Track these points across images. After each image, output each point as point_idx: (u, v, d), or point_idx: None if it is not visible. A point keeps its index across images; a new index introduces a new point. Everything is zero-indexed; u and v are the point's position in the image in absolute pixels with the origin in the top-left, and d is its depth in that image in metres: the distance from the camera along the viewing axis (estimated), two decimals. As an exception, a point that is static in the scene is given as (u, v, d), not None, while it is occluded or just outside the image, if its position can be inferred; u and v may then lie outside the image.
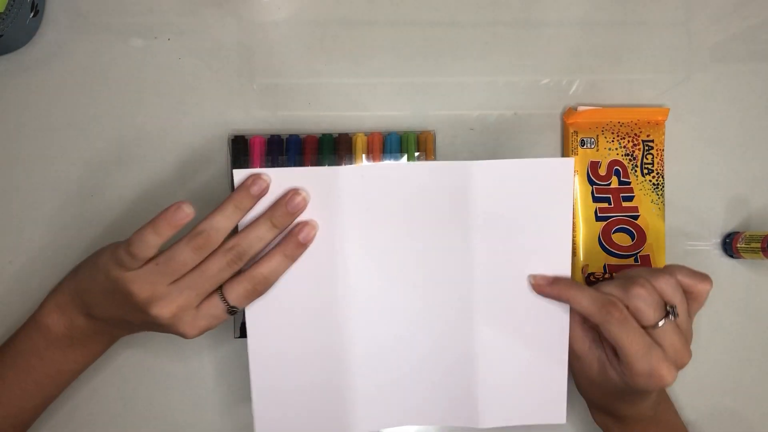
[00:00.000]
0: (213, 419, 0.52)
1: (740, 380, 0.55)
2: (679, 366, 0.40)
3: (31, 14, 0.51)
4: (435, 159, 0.53)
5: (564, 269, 0.44)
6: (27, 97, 0.54)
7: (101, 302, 0.43)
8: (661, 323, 0.40)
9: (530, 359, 0.45)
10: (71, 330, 0.45)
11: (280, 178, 0.42)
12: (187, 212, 0.39)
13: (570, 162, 0.43)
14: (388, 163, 0.50)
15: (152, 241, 0.39)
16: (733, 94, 0.56)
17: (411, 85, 0.55)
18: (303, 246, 0.42)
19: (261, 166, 0.52)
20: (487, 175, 0.42)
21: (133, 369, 0.53)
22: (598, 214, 0.53)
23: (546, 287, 0.43)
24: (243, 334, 0.52)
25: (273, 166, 0.52)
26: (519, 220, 0.43)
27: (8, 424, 0.46)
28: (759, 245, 0.51)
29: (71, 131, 0.54)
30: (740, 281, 0.55)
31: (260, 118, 0.54)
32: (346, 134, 0.53)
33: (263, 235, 0.41)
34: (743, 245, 0.53)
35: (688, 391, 0.54)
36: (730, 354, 0.55)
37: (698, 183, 0.56)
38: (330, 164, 0.52)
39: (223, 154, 0.54)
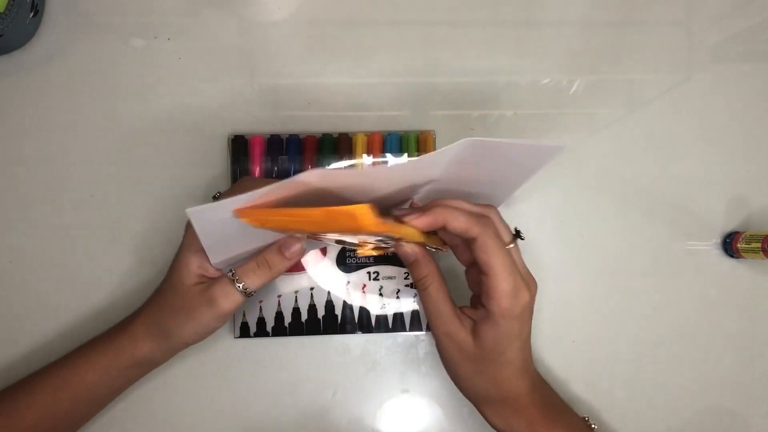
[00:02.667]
0: (213, 419, 0.52)
1: (740, 380, 0.55)
2: (531, 288, 0.43)
3: (31, 14, 0.51)
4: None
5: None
6: (27, 97, 0.54)
7: (177, 315, 0.45)
8: (511, 246, 0.43)
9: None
10: (147, 356, 0.46)
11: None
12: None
13: (561, 146, 0.41)
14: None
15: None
16: (733, 94, 0.56)
17: (411, 85, 0.55)
18: (285, 258, 0.45)
19: (260, 166, 0.52)
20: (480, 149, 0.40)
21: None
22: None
23: (418, 219, 0.41)
24: (243, 334, 0.52)
25: (273, 165, 0.52)
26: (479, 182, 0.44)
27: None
28: (759, 245, 0.51)
29: (71, 131, 0.54)
30: (740, 281, 0.55)
31: (260, 118, 0.54)
32: (346, 134, 0.53)
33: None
34: (743, 245, 0.53)
35: (688, 391, 0.54)
36: (730, 354, 0.55)
37: (698, 183, 0.56)
38: (330, 164, 0.52)
39: (223, 154, 0.54)
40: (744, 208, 0.56)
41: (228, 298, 0.44)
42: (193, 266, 0.45)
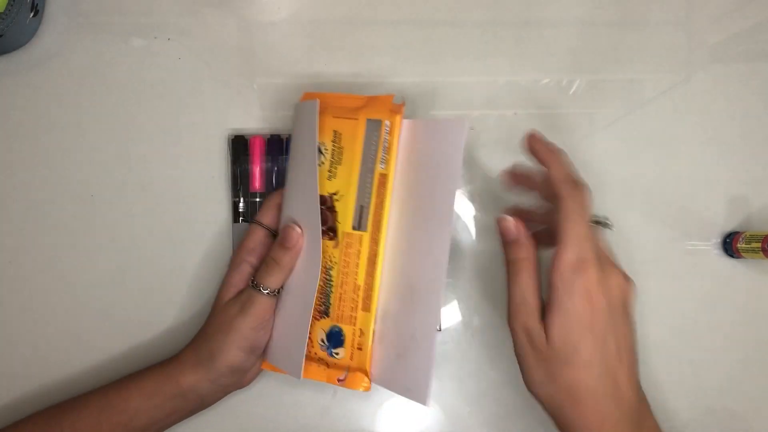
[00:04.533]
0: (213, 419, 0.52)
1: (740, 380, 0.55)
2: (611, 277, 0.39)
3: (31, 14, 0.51)
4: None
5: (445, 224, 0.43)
6: (27, 97, 0.54)
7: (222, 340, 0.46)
8: (592, 224, 0.41)
9: (411, 331, 0.44)
10: (192, 386, 0.46)
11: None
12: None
13: (464, 121, 0.43)
14: None
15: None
16: (733, 94, 0.56)
17: (411, 85, 0.55)
18: (287, 248, 0.46)
19: (261, 166, 0.52)
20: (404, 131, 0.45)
21: (135, 368, 0.53)
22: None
23: (537, 143, 0.43)
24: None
25: (273, 165, 0.52)
26: (420, 175, 0.45)
27: None
28: (759, 245, 0.51)
29: (71, 131, 0.54)
30: (740, 281, 0.55)
31: (260, 118, 0.54)
32: (346, 134, 0.53)
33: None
34: (743, 245, 0.53)
35: (688, 391, 0.54)
36: (730, 354, 0.55)
37: (698, 183, 0.56)
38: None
39: (223, 154, 0.54)
40: (744, 208, 0.56)
41: (256, 303, 0.45)
42: (234, 280, 0.47)
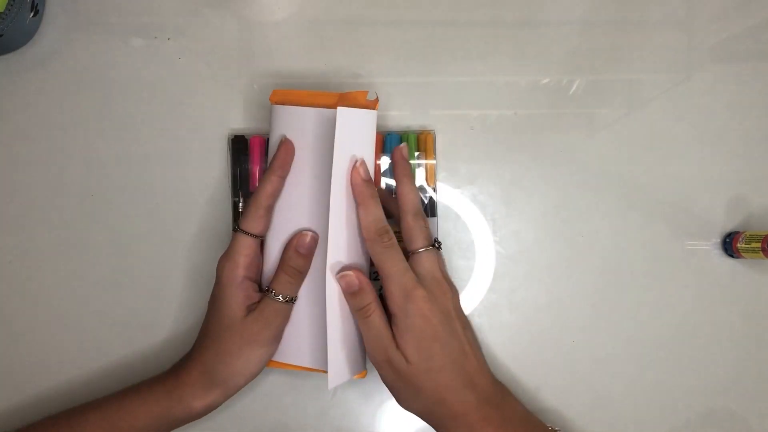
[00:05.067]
0: (213, 419, 0.52)
1: (740, 380, 0.55)
2: (436, 293, 0.45)
3: (31, 14, 0.51)
4: (435, 159, 0.53)
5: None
6: (27, 97, 0.54)
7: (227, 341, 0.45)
8: (422, 250, 0.46)
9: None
10: (208, 407, 0.46)
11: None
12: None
13: (372, 113, 0.46)
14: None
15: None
16: (733, 94, 0.56)
17: (411, 85, 0.55)
18: (304, 256, 0.46)
19: (261, 166, 0.52)
20: (323, 120, 0.46)
21: (135, 370, 0.53)
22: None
23: (359, 185, 0.45)
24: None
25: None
26: (343, 164, 0.45)
27: None
28: (759, 245, 0.51)
29: (71, 131, 0.54)
30: (740, 281, 0.55)
31: (260, 118, 0.54)
32: (346, 134, 0.53)
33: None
34: (743, 245, 0.53)
35: (688, 391, 0.54)
36: (730, 354, 0.55)
37: (698, 183, 0.56)
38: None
39: (223, 154, 0.54)
40: (744, 208, 0.56)
41: (278, 313, 0.46)
42: (240, 299, 0.45)
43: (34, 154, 0.53)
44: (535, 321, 0.54)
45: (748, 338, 0.55)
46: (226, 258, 0.46)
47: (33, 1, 0.51)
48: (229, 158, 0.53)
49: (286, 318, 0.47)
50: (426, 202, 0.53)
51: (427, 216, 0.51)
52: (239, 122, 0.54)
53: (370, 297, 0.45)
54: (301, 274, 0.47)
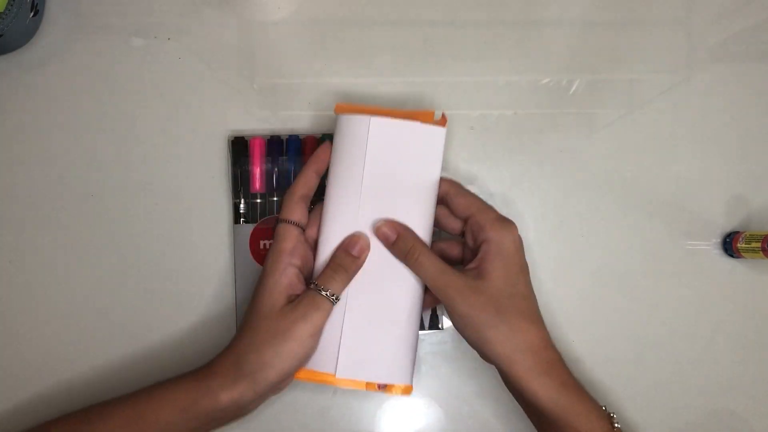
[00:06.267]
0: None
1: (740, 380, 0.55)
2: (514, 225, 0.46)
3: (31, 14, 0.51)
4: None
5: (423, 230, 0.46)
6: (27, 97, 0.54)
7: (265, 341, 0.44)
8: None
9: (388, 320, 0.46)
10: (236, 400, 0.44)
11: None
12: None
13: (442, 131, 0.46)
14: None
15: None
16: (733, 94, 0.56)
17: (411, 85, 0.55)
18: (353, 256, 0.46)
19: (261, 167, 0.52)
20: (379, 129, 0.46)
21: (134, 370, 0.53)
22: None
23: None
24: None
25: (273, 166, 0.52)
26: (397, 177, 0.46)
27: None
28: (759, 245, 0.51)
29: (71, 131, 0.54)
30: (740, 281, 0.55)
31: (260, 118, 0.54)
32: (346, 134, 0.53)
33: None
34: (743, 245, 0.53)
35: (688, 391, 0.54)
36: (730, 354, 0.55)
37: (698, 183, 0.56)
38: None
39: (223, 154, 0.54)
40: (744, 208, 0.56)
41: (319, 309, 0.44)
42: (283, 286, 0.44)
43: (34, 154, 0.53)
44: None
45: (748, 338, 0.55)
46: (270, 248, 0.46)
47: (33, 1, 0.51)
48: (230, 159, 0.53)
49: (324, 315, 0.44)
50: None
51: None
52: (239, 122, 0.54)
53: (411, 239, 0.45)
54: (347, 273, 0.45)
